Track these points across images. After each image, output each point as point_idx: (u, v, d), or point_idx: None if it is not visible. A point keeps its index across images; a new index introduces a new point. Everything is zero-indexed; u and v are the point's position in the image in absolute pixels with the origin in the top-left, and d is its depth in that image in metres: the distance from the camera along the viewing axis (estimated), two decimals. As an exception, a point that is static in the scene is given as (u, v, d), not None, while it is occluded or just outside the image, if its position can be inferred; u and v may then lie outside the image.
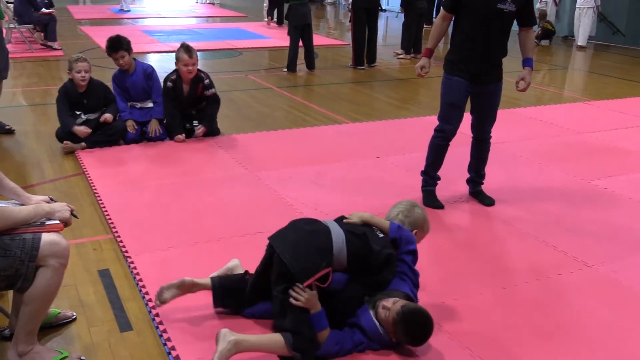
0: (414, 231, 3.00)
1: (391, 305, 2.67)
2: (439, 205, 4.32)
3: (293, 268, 2.59)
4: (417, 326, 2.66)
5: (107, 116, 5.39)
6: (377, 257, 2.77)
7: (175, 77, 5.66)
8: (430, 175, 4.40)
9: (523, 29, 4.17)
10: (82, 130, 5.30)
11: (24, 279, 2.44)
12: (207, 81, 5.68)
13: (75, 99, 5.38)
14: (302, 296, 2.57)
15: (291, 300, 2.57)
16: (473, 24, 4.03)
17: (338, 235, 2.74)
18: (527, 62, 4.15)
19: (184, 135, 5.67)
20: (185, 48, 5.53)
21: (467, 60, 4.09)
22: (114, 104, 5.51)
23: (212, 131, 5.84)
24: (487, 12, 3.97)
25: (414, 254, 2.88)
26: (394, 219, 3.01)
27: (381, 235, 2.87)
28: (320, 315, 2.62)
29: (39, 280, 2.46)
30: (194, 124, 5.81)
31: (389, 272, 2.81)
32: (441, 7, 4.30)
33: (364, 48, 9.66)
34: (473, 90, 4.19)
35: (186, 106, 5.75)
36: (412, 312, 2.65)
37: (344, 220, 2.90)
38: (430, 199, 4.35)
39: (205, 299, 3.08)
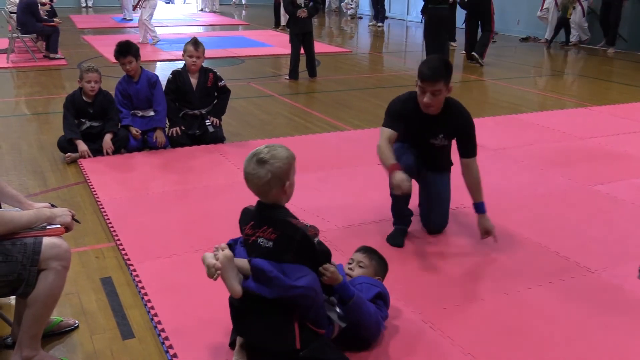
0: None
1: (356, 257, 3.05)
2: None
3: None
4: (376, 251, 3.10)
5: (108, 147, 5.38)
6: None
7: (180, 70, 5.78)
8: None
9: (462, 160, 3.69)
10: (83, 149, 5.31)
11: (26, 283, 2.45)
12: (217, 72, 5.87)
13: (82, 107, 5.41)
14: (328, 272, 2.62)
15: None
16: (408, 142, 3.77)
17: None
18: (477, 209, 3.71)
19: (178, 129, 5.67)
20: (194, 41, 5.76)
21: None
22: (113, 121, 5.46)
23: (219, 137, 5.86)
24: (419, 143, 3.75)
25: None
26: None
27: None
28: (344, 285, 2.67)
29: (42, 283, 2.47)
30: (206, 122, 5.80)
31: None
32: (381, 129, 3.70)
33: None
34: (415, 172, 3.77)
35: (196, 102, 5.78)
36: (369, 247, 3.13)
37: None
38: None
39: (207, 305, 3.08)
